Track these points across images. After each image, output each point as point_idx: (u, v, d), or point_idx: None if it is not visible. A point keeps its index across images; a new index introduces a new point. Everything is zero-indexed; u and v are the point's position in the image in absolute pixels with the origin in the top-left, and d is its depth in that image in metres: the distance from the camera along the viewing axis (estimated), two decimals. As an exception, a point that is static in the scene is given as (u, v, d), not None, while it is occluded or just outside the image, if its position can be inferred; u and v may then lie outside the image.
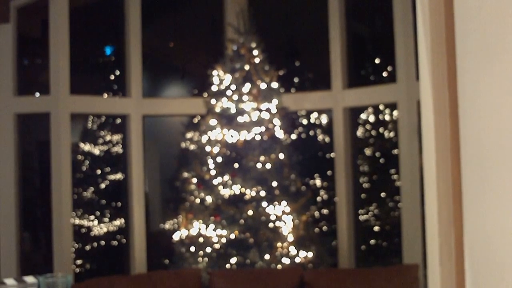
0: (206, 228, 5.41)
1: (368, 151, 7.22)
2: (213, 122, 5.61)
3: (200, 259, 5.40)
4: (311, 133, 7.66)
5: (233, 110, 5.58)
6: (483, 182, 1.25)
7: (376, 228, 7.17)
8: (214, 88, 5.73)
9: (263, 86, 5.63)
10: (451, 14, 1.39)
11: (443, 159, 1.42)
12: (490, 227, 1.22)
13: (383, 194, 7.17)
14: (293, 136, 6.67)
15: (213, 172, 5.52)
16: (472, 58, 1.29)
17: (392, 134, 7.06)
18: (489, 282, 1.24)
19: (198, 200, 5.56)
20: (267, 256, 5.30)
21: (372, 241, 7.18)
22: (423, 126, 1.54)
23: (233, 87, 5.61)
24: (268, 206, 5.35)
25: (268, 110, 5.60)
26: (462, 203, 1.37)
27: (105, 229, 7.38)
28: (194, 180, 5.64)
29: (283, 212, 5.39)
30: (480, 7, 1.24)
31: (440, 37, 1.44)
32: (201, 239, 5.42)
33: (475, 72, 1.28)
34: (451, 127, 1.40)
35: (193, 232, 5.48)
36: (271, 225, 5.34)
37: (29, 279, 2.37)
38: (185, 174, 6.04)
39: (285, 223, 5.38)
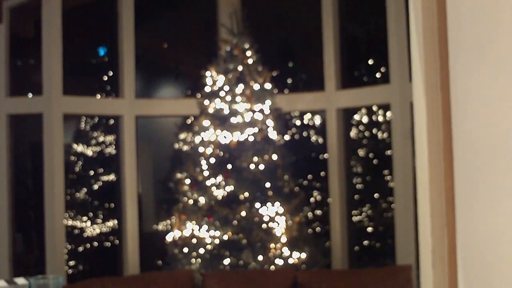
0: (199, 229, 5.40)
1: (361, 152, 7.22)
2: (206, 123, 5.60)
3: (193, 260, 5.39)
4: (305, 134, 7.65)
5: (226, 111, 5.57)
6: (476, 184, 1.25)
7: (369, 229, 7.17)
8: (207, 89, 5.72)
9: (256, 87, 5.63)
10: (443, 14, 1.39)
11: (435, 161, 1.42)
12: (483, 229, 1.22)
13: (376, 195, 7.17)
14: (286, 137, 6.65)
15: (206, 173, 5.51)
16: (464, 59, 1.29)
17: (385, 135, 7.06)
18: (482, 284, 1.23)
19: (191, 201, 5.54)
20: (260, 257, 5.29)
21: (366, 242, 7.18)
22: (416, 128, 1.54)
23: (226, 88, 5.60)
24: (261, 207, 5.34)
25: (261, 111, 5.59)
26: (454, 205, 1.37)
27: (98, 230, 7.36)
28: (187, 181, 5.63)
29: (277, 213, 5.38)
30: (473, 8, 1.24)
31: (432, 38, 1.44)
32: (194, 240, 5.41)
33: (468, 73, 1.27)
34: (443, 129, 1.40)
35: (186, 233, 5.46)
36: (264, 226, 5.33)
37: (20, 280, 2.36)
38: (178, 175, 6.03)
39: (278, 224, 5.37)
